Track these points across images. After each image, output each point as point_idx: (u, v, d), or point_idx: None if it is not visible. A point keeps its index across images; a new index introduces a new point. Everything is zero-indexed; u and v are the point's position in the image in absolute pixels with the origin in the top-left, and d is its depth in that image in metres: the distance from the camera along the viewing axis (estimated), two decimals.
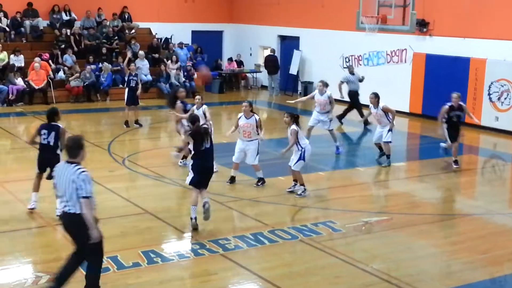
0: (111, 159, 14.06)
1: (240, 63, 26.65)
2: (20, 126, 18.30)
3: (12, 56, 21.59)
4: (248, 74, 26.97)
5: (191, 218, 9.50)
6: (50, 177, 9.41)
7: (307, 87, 24.05)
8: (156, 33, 25.62)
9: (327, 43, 23.33)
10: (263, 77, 26.39)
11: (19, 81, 20.88)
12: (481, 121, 17.26)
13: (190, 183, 9.71)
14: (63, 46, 22.79)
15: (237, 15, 27.66)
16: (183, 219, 9.95)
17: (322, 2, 23.35)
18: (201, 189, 9.69)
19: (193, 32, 26.74)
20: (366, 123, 16.90)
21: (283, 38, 25.87)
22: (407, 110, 20.24)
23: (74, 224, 6.76)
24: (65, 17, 23.95)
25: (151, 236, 9.36)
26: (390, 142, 13.83)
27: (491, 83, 17.91)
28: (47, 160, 9.98)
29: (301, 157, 11.36)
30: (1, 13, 22.82)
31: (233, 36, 27.90)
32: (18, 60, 21.62)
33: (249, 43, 27.18)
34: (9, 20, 22.98)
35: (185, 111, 13.11)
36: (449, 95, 13.61)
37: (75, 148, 6.84)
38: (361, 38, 21.01)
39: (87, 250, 6.82)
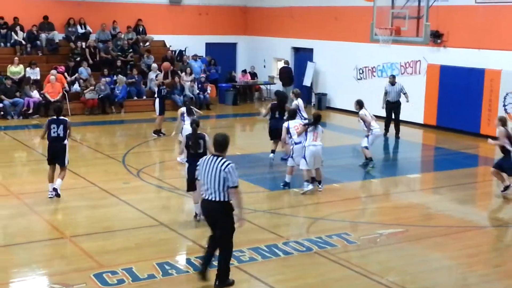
0: (125, 171, 14.12)
1: (254, 75, 26.70)
2: (36, 138, 18.38)
3: (28, 69, 21.79)
4: (262, 86, 27.03)
5: (195, 215, 10.27)
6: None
7: (321, 99, 24.10)
8: (170, 46, 25.76)
9: (340, 54, 23.35)
10: (277, 88, 26.35)
11: (35, 94, 21.06)
12: (496, 133, 17.11)
13: (187, 190, 10.48)
14: (78, 58, 22.98)
15: (251, 27, 27.77)
16: (198, 231, 9.96)
17: (335, 14, 23.40)
18: None
19: (207, 44, 26.88)
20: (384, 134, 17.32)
21: (296, 50, 25.93)
22: (421, 122, 20.17)
23: (215, 210, 7.56)
24: (80, 30, 24.17)
25: (166, 248, 9.38)
26: (366, 147, 14.16)
27: (506, 94, 17.82)
28: (56, 150, 11.47)
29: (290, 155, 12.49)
30: (18, 26, 23.08)
31: (247, 48, 28.00)
32: (34, 73, 21.83)
33: (263, 55, 27.25)
34: (25, 34, 23.20)
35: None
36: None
37: (224, 144, 7.59)
38: (375, 49, 21.01)
39: (220, 236, 7.62)
